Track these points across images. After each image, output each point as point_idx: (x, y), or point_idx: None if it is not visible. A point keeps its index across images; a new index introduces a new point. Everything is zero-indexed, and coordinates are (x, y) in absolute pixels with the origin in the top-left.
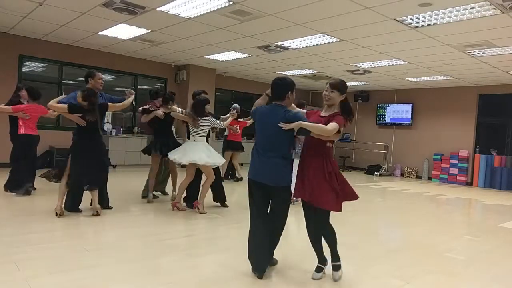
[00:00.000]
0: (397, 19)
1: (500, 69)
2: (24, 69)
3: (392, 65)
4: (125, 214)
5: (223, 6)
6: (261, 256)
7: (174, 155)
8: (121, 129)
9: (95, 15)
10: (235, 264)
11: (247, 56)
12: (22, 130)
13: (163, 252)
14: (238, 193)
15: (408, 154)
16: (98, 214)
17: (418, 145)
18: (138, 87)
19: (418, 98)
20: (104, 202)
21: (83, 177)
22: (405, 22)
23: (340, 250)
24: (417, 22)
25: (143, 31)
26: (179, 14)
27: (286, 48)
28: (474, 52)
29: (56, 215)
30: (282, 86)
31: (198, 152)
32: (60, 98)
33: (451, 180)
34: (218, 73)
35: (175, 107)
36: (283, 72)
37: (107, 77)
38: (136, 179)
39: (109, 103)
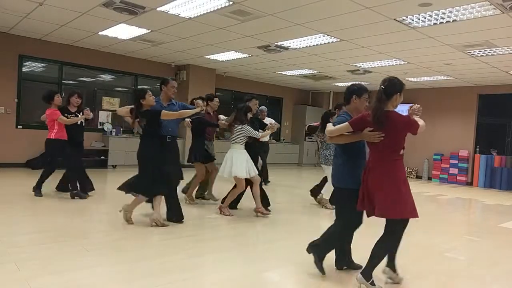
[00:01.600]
0: (397, 19)
1: (500, 69)
2: (24, 69)
3: (392, 65)
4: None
5: (223, 6)
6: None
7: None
8: (121, 129)
9: (95, 15)
10: (235, 264)
11: (247, 56)
12: None
13: (163, 252)
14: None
15: (408, 154)
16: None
17: (418, 145)
18: (138, 87)
19: (418, 98)
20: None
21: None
22: (405, 22)
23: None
24: (417, 22)
25: (143, 31)
26: (179, 14)
27: (286, 48)
28: (474, 52)
29: (155, 225)
30: (346, 91)
31: (229, 164)
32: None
33: (451, 180)
34: (218, 73)
35: (221, 116)
36: (284, 72)
37: (107, 77)
38: None
39: (162, 111)
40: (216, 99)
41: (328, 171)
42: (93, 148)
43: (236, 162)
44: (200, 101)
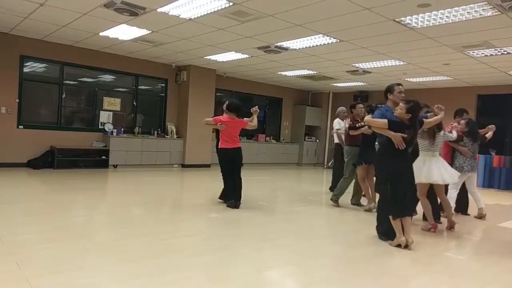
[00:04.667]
0: (396, 19)
1: (499, 70)
2: (25, 70)
3: (392, 65)
4: (125, 214)
5: (223, 7)
6: None
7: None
8: (122, 129)
9: (96, 16)
10: (235, 264)
11: (247, 56)
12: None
13: (163, 252)
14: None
15: None
16: (407, 247)
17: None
18: (139, 87)
19: (417, 98)
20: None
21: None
22: (404, 23)
23: (340, 250)
24: (416, 23)
25: (143, 32)
26: (179, 15)
27: (286, 49)
28: (473, 52)
29: (403, 247)
30: None
31: (442, 172)
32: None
33: None
34: (219, 74)
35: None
36: (283, 73)
37: (108, 77)
38: (136, 179)
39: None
40: (360, 105)
41: (475, 178)
42: (94, 148)
43: (447, 169)
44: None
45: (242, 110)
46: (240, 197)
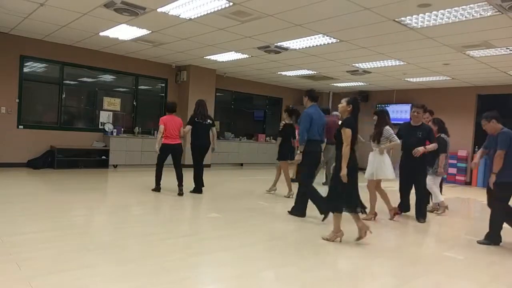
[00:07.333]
0: (396, 19)
1: (499, 70)
2: (25, 70)
3: (392, 65)
4: (126, 214)
5: (223, 7)
6: None
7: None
8: (122, 129)
9: (96, 16)
10: (235, 264)
11: (247, 56)
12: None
13: (163, 251)
14: (243, 194)
15: None
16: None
17: None
18: (139, 87)
19: (417, 98)
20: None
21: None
22: (404, 23)
23: (340, 249)
24: (416, 23)
25: (143, 32)
26: (179, 15)
27: (286, 49)
28: (473, 52)
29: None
30: None
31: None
32: None
33: (450, 180)
34: (219, 74)
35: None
36: (283, 73)
37: (108, 77)
38: (136, 178)
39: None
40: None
41: None
42: (94, 148)
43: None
44: None
45: (175, 110)
46: (182, 182)
